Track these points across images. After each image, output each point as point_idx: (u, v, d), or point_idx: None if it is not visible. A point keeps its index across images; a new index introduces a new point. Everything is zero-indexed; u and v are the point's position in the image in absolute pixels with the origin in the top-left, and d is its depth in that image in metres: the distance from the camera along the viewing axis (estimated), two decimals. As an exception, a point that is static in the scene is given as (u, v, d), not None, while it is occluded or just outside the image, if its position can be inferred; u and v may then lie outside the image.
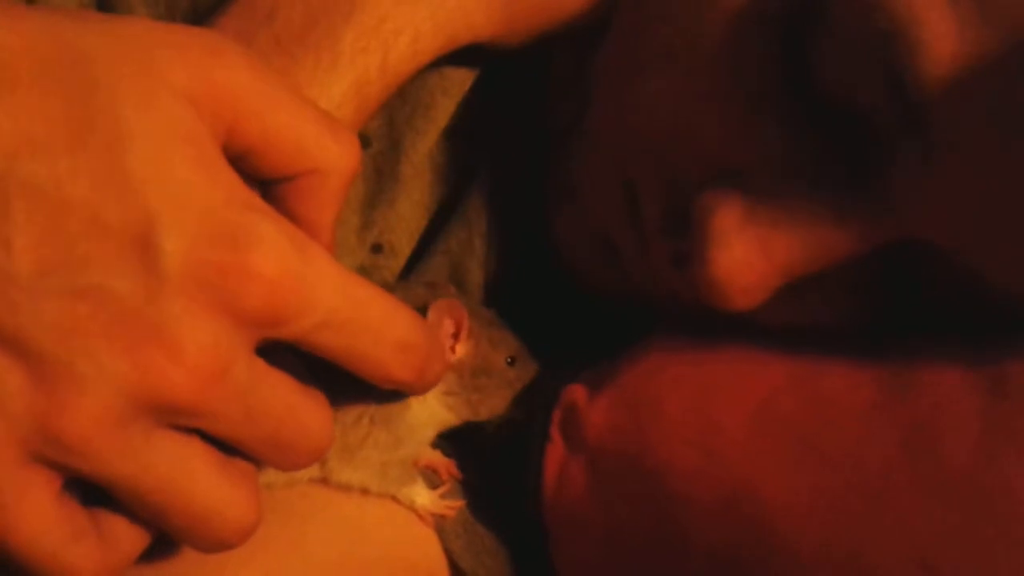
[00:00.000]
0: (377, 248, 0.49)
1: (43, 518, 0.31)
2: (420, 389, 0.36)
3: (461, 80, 0.48)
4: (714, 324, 0.40)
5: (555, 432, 0.42)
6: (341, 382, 0.35)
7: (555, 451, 0.42)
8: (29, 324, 0.29)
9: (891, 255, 0.38)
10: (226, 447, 0.33)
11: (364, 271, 0.48)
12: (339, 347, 0.33)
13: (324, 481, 0.42)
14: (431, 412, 0.43)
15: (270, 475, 0.40)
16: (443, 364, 0.37)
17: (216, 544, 0.33)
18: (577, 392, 0.42)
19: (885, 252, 0.38)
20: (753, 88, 0.38)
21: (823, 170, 0.37)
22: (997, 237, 0.35)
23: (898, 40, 0.34)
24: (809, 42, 0.36)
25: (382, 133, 0.47)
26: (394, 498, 0.43)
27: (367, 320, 0.33)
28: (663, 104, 0.40)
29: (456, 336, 0.42)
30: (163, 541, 0.35)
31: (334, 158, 0.33)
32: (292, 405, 0.33)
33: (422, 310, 0.39)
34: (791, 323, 0.41)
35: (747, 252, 0.37)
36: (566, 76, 0.49)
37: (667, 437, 0.39)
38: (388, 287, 0.47)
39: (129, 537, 0.33)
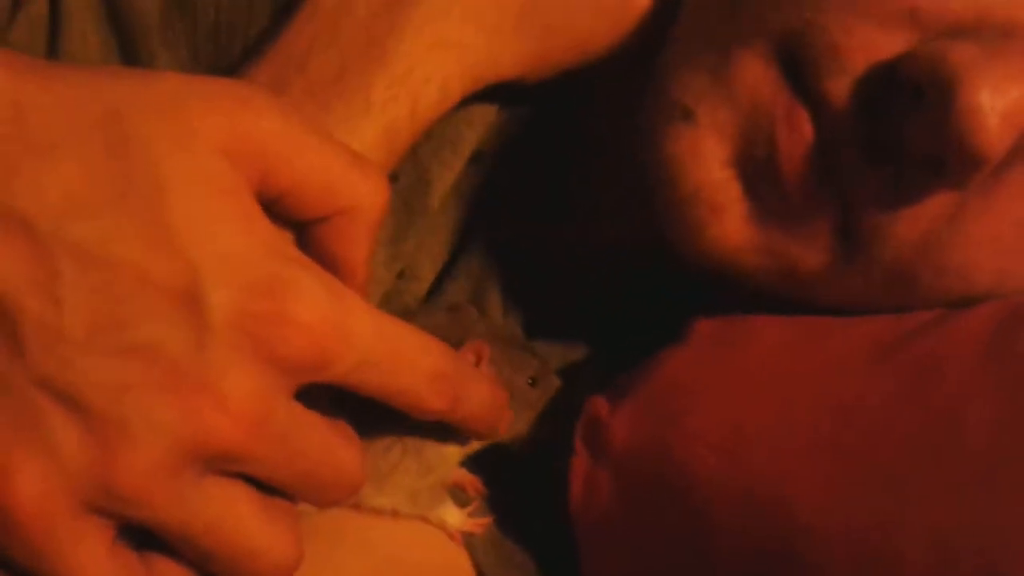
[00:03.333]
0: (401, 274, 0.50)
1: (99, 566, 0.32)
2: (462, 418, 0.38)
3: (484, 112, 0.49)
4: (755, 311, 0.39)
5: (579, 445, 0.43)
6: (371, 412, 0.37)
7: (580, 463, 0.43)
8: (82, 381, 0.30)
9: None
10: (265, 487, 0.34)
11: (388, 296, 0.49)
12: (376, 384, 0.34)
13: (356, 506, 0.43)
14: (458, 440, 0.44)
15: (304, 503, 0.41)
16: (483, 389, 0.38)
17: None
18: (599, 404, 0.43)
19: None
20: None
21: None
22: None
23: None
24: None
25: (408, 168, 0.48)
26: (424, 519, 0.44)
27: (401, 356, 0.34)
28: None
29: (476, 364, 0.43)
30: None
31: (364, 196, 0.34)
32: (328, 445, 0.34)
33: (446, 339, 0.40)
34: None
35: (1000, 80, 0.35)
36: None
37: (690, 443, 0.39)
38: (410, 311, 0.48)
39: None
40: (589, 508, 0.42)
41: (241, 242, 0.32)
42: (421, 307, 0.50)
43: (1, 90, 0.30)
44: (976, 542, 0.34)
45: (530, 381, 0.45)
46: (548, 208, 0.51)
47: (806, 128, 0.39)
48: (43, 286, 0.30)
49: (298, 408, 0.33)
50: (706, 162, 0.41)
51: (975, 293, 0.40)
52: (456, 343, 0.41)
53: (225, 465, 0.32)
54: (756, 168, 0.40)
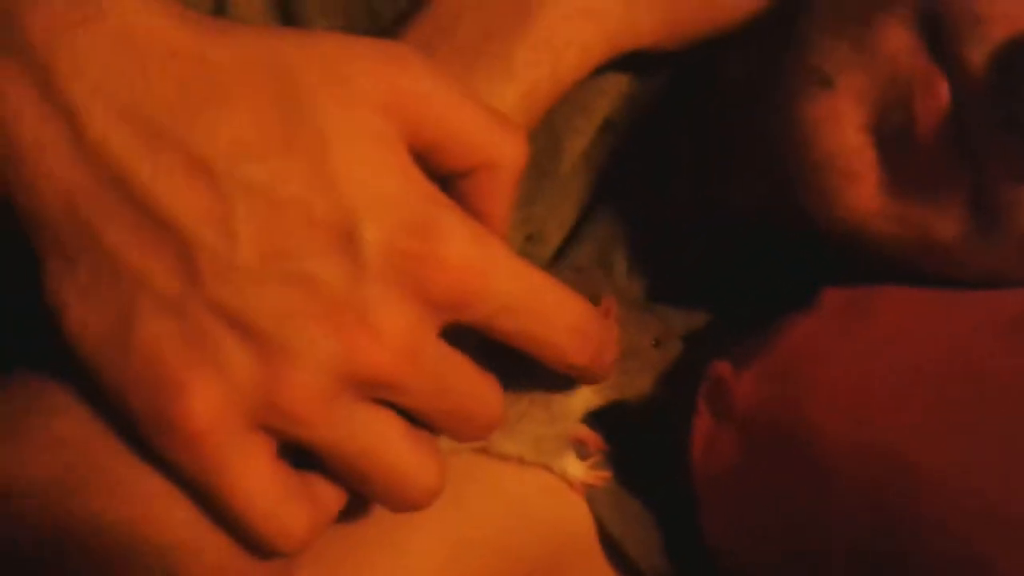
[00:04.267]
0: (528, 237, 0.52)
1: (262, 479, 0.34)
2: (593, 375, 0.38)
3: (617, 80, 0.50)
4: (881, 281, 0.40)
5: (702, 404, 0.44)
6: (506, 364, 0.38)
7: (703, 422, 0.44)
8: (252, 307, 0.33)
9: None
10: (410, 419, 0.36)
11: None
12: (516, 331, 0.36)
13: (484, 451, 0.45)
14: (582, 394, 0.46)
15: (439, 444, 0.44)
16: (614, 352, 0.39)
17: (408, 504, 0.36)
18: (723, 367, 0.44)
19: None
20: None
21: None
22: None
23: None
24: None
25: (541, 134, 0.49)
26: (547, 468, 0.46)
27: (542, 306, 0.36)
28: None
29: (606, 319, 0.44)
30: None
31: (506, 153, 0.36)
32: (472, 381, 0.36)
33: None
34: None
35: None
36: None
37: (818, 405, 0.40)
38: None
39: (331, 498, 0.36)
40: (709, 465, 0.44)
41: (395, 186, 0.33)
42: (548, 269, 0.52)
43: (186, 44, 0.33)
44: None
45: (654, 342, 0.46)
46: (675, 176, 0.52)
47: (943, 94, 0.39)
48: (219, 220, 0.32)
49: (445, 346, 0.35)
50: (843, 128, 0.41)
51: None
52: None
53: (377, 392, 0.34)
54: (892, 134, 0.41)
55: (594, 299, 0.43)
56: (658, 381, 0.46)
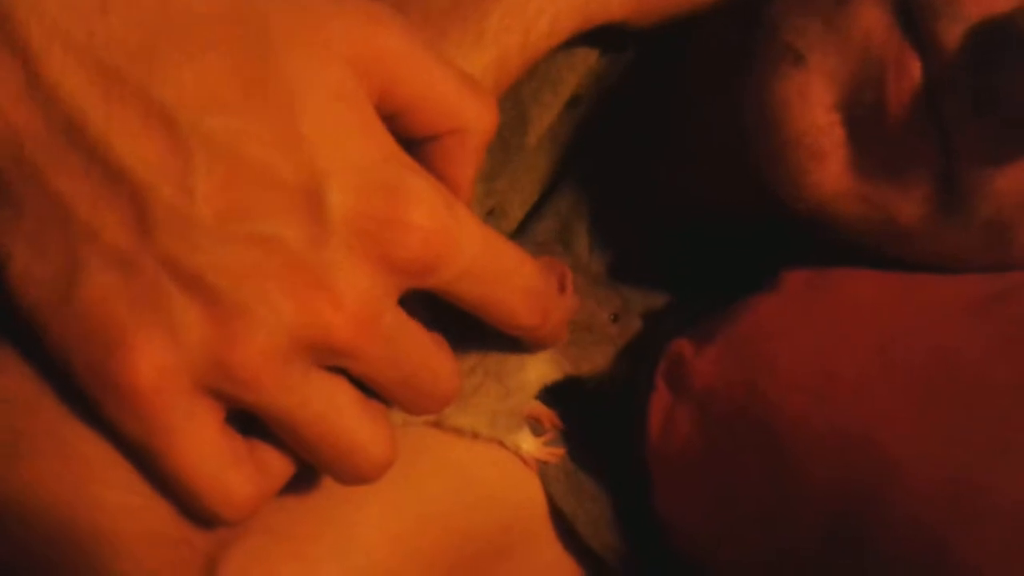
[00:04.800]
0: (491, 211, 0.51)
1: (207, 443, 0.33)
2: (543, 337, 0.38)
3: (587, 55, 0.50)
4: (843, 264, 0.40)
5: (660, 382, 0.44)
6: (459, 335, 0.38)
7: (660, 399, 0.44)
8: (206, 264, 0.32)
9: None
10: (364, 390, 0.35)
11: None
12: (476, 294, 0.35)
13: (437, 425, 0.45)
14: (536, 367, 0.45)
15: (392, 417, 0.43)
16: (564, 313, 0.39)
17: (357, 477, 0.35)
18: (683, 345, 0.44)
19: None
20: None
21: None
22: None
23: None
24: None
25: (508, 106, 0.49)
26: (501, 443, 0.46)
27: (501, 268, 0.35)
28: None
29: (562, 289, 0.44)
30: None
31: (475, 118, 0.35)
32: (428, 352, 0.35)
33: None
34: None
35: None
36: None
37: (778, 384, 0.40)
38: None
39: (278, 467, 0.35)
40: (666, 444, 0.43)
41: (362, 148, 0.33)
42: (509, 242, 0.51)
43: None
44: None
45: (612, 318, 0.46)
46: (641, 155, 0.52)
47: (915, 72, 0.39)
48: (178, 173, 0.31)
49: (403, 314, 0.35)
50: (812, 106, 0.41)
51: None
52: None
53: (332, 359, 0.33)
54: (863, 114, 0.40)
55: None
56: (615, 357, 0.46)
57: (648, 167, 0.51)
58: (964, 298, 0.40)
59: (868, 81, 0.40)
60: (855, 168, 0.41)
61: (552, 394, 0.48)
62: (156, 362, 0.32)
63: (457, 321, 0.37)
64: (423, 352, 0.35)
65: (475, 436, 0.45)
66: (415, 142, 0.36)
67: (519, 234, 0.52)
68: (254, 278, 0.32)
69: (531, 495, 0.47)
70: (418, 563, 0.44)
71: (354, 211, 0.32)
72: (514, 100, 0.49)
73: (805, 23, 0.41)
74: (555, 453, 0.47)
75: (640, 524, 0.46)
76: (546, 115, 0.50)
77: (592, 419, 0.48)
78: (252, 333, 0.32)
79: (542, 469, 0.47)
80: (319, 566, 0.41)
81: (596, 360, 0.46)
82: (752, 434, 0.41)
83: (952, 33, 0.38)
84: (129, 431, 0.33)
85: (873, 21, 0.40)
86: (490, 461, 0.46)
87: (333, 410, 0.34)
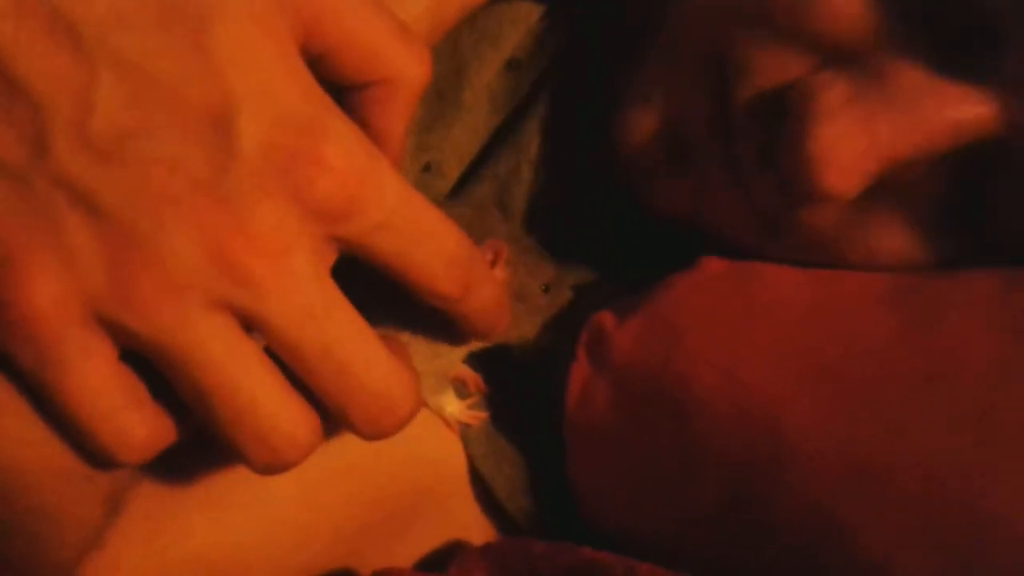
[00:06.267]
0: (426, 167, 0.51)
1: (100, 378, 0.31)
2: (468, 313, 0.36)
3: (528, 12, 0.49)
4: (754, 258, 0.42)
5: (581, 352, 0.45)
6: (382, 300, 0.37)
7: (580, 370, 0.44)
8: (103, 186, 0.30)
9: (970, 172, 0.40)
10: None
11: None
12: (393, 252, 0.33)
13: (360, 381, 0.45)
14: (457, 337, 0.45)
15: None
16: (493, 290, 0.37)
17: (266, 452, 0.32)
18: (606, 318, 0.45)
19: (966, 167, 0.39)
20: None
21: (934, 52, 0.39)
22: None
23: None
24: None
25: (446, 58, 0.48)
26: (425, 404, 0.46)
27: (422, 228, 0.33)
28: None
29: (493, 263, 0.44)
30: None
31: (407, 68, 0.34)
32: (346, 318, 0.32)
33: (468, 234, 0.41)
34: (844, 258, 0.43)
35: (851, 128, 0.39)
36: None
37: (690, 359, 0.41)
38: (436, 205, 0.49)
39: (179, 417, 0.33)
40: (583, 414, 0.44)
41: (280, 80, 0.31)
42: (445, 203, 0.51)
43: None
44: (963, 472, 0.36)
45: (543, 288, 0.46)
46: (579, 125, 0.52)
47: (719, 124, 0.44)
48: (80, 88, 0.30)
49: (325, 272, 0.32)
50: (642, 134, 0.47)
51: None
52: (477, 240, 0.42)
53: (237, 296, 0.31)
54: (680, 146, 0.46)
55: (484, 239, 0.42)
56: (543, 327, 0.46)
57: (586, 140, 0.51)
58: (877, 289, 0.41)
59: (685, 122, 0.46)
60: (677, 190, 0.47)
61: (479, 360, 0.48)
62: (47, 285, 0.30)
63: (386, 293, 0.36)
64: (341, 312, 0.32)
65: (398, 396, 0.46)
66: (342, 90, 0.34)
67: (455, 195, 0.52)
68: (151, 200, 0.30)
69: (452, 456, 0.48)
70: (331, 517, 0.44)
71: (266, 142, 0.31)
72: (452, 51, 0.48)
73: (656, 69, 0.47)
74: (478, 416, 0.47)
75: (557, 491, 0.47)
76: (484, 70, 0.49)
77: (517, 386, 0.48)
78: (146, 259, 0.30)
79: (464, 431, 0.47)
80: (228, 514, 0.41)
81: (524, 329, 0.46)
82: (663, 406, 0.42)
83: (745, 95, 0.43)
84: (22, 360, 0.31)
85: (697, 77, 0.46)
86: (413, 421, 0.46)
87: (235, 361, 0.31)
